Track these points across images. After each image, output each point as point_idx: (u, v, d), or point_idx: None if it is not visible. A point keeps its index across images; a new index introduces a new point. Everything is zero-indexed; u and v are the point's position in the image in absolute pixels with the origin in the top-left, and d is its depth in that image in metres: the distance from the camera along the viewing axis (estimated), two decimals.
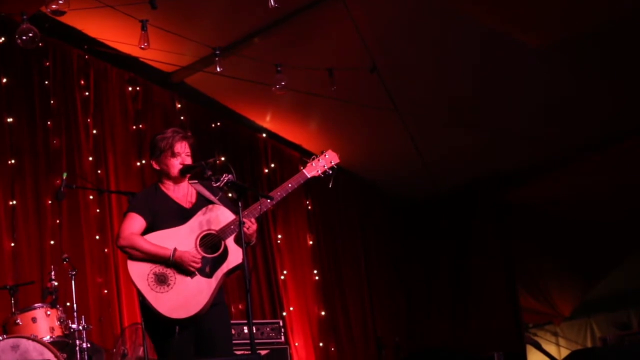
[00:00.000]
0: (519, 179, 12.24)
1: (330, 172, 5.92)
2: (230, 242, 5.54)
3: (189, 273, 5.46)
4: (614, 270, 13.51)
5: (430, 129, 11.01)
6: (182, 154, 5.71)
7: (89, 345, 7.54)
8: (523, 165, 11.95)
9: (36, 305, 7.28)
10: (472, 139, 11.16)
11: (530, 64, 9.73)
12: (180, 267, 5.44)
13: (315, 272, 11.56)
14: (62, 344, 7.25)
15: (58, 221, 9.01)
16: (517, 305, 12.25)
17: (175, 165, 5.70)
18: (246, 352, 6.96)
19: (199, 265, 5.46)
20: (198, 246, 5.52)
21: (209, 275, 5.50)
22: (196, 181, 5.83)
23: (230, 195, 6.22)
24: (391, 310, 12.53)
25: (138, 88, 10.18)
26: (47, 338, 7.03)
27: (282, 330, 9.44)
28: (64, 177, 7.56)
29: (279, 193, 5.73)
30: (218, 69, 8.84)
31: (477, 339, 12.09)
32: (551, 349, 14.06)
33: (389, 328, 12.25)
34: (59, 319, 7.28)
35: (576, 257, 13.10)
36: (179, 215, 5.61)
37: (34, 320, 7.12)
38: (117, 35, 9.12)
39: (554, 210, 12.53)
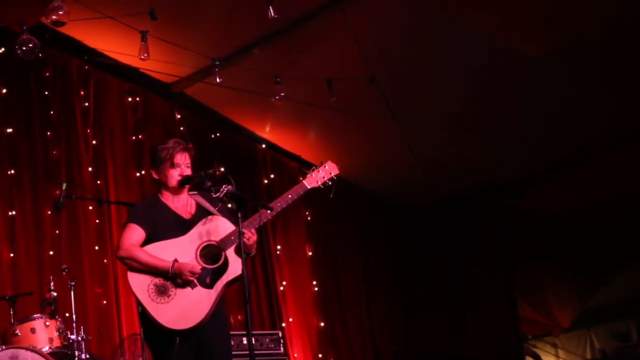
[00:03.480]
0: (518, 186, 12.27)
1: (330, 183, 5.92)
2: (230, 253, 5.54)
3: (188, 284, 5.45)
4: (612, 279, 13.51)
5: (430, 137, 11.02)
6: (181, 165, 5.72)
7: (88, 356, 7.51)
8: (522, 172, 11.98)
9: (35, 315, 7.26)
10: (471, 147, 11.18)
11: (529, 70, 9.75)
12: (180, 278, 5.43)
13: (314, 283, 11.55)
14: (61, 354, 7.23)
15: (57, 231, 8.99)
16: (515, 315, 12.24)
17: (174, 176, 5.70)
18: None
19: (196, 276, 5.46)
20: (199, 257, 5.52)
21: (210, 286, 5.50)
22: (196, 192, 5.82)
23: (229, 206, 6.21)
24: (390, 319, 12.53)
25: (138, 99, 10.18)
26: (46, 349, 7.01)
27: (282, 341, 9.42)
28: (64, 188, 7.56)
29: (278, 204, 5.73)
30: (217, 80, 8.84)
31: (476, 348, 12.08)
32: None
33: (387, 337, 12.24)
34: (57, 330, 7.26)
35: (575, 266, 13.10)
36: (179, 226, 5.62)
37: (32, 330, 7.11)
38: (117, 45, 9.12)
39: (554, 218, 12.54)
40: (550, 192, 12.23)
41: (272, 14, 7.74)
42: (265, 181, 11.39)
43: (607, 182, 11.63)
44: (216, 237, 5.57)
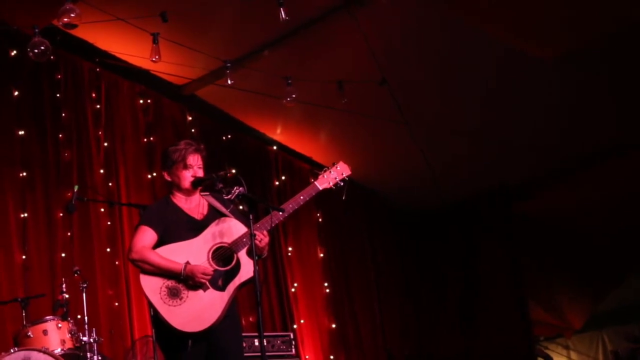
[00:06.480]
0: (527, 191, 12.26)
1: (342, 184, 5.90)
2: (242, 254, 5.53)
3: (200, 286, 5.45)
4: (624, 282, 13.49)
5: (439, 141, 11.02)
6: (194, 167, 5.72)
7: (99, 357, 7.52)
8: (531, 177, 11.96)
9: (47, 317, 7.27)
10: (481, 150, 11.17)
11: (539, 75, 9.74)
12: (192, 280, 5.44)
13: (325, 284, 11.54)
14: (73, 356, 7.24)
15: (69, 234, 9.00)
16: (527, 317, 12.23)
17: (187, 177, 5.70)
18: None
19: (209, 278, 5.46)
20: (211, 259, 5.52)
21: (222, 288, 5.50)
22: (207, 193, 5.83)
23: (241, 207, 6.20)
24: (401, 322, 12.51)
25: (149, 101, 10.20)
26: (58, 351, 7.02)
27: (293, 342, 9.41)
28: (75, 190, 7.57)
29: (290, 205, 5.72)
30: (229, 82, 8.86)
31: (487, 350, 12.07)
32: None
33: (399, 340, 12.22)
34: (70, 332, 7.27)
35: (586, 269, 13.09)
36: (191, 227, 5.62)
37: (45, 332, 7.12)
38: (128, 48, 9.15)
39: (563, 222, 12.53)
40: (560, 196, 12.22)
41: (283, 16, 7.75)
42: (277, 183, 11.39)
43: (618, 186, 11.62)
44: (228, 239, 5.57)
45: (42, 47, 7.54)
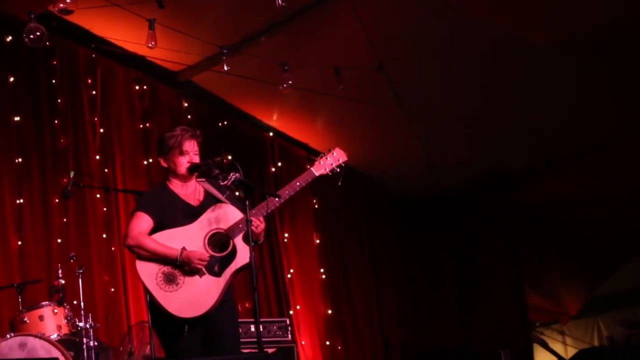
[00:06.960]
0: (525, 179, 12.24)
1: (338, 170, 5.90)
2: (238, 240, 5.54)
3: (196, 272, 5.46)
4: (620, 268, 13.51)
5: (437, 128, 11.00)
6: (190, 153, 5.72)
7: (96, 343, 7.53)
8: (530, 169, 11.94)
9: (43, 303, 7.28)
10: (479, 138, 11.15)
11: (539, 62, 9.70)
12: (188, 266, 5.44)
13: (322, 270, 11.55)
14: (69, 342, 7.25)
15: (65, 219, 9.01)
16: (524, 303, 12.25)
17: (183, 163, 5.70)
18: (253, 351, 6.97)
19: (205, 264, 5.46)
20: (207, 245, 5.52)
21: (218, 274, 5.51)
22: (204, 179, 5.83)
23: (237, 193, 6.20)
24: (398, 308, 12.52)
25: (145, 87, 10.18)
26: (54, 336, 7.04)
27: (289, 328, 9.44)
28: (71, 176, 7.55)
29: (286, 191, 5.72)
30: (225, 68, 8.84)
31: (484, 337, 12.08)
32: (558, 348, 14.04)
33: (396, 326, 12.23)
34: (66, 317, 7.29)
35: (583, 256, 13.09)
36: (187, 213, 5.62)
37: (41, 318, 7.13)
38: (124, 34, 9.13)
39: (562, 209, 12.53)
40: (559, 184, 12.20)
41: (280, 2, 7.72)
42: (273, 169, 11.38)
43: (617, 175, 11.60)
44: (225, 225, 5.57)
45: (38, 33, 7.52)
